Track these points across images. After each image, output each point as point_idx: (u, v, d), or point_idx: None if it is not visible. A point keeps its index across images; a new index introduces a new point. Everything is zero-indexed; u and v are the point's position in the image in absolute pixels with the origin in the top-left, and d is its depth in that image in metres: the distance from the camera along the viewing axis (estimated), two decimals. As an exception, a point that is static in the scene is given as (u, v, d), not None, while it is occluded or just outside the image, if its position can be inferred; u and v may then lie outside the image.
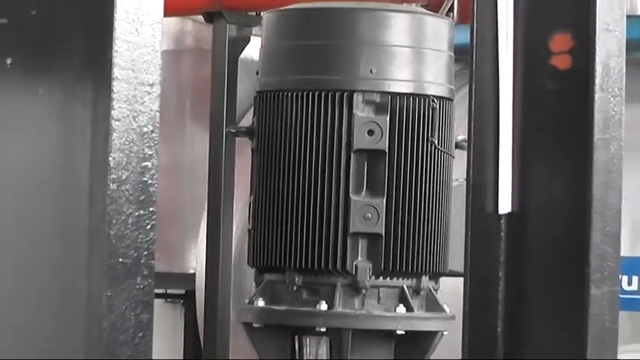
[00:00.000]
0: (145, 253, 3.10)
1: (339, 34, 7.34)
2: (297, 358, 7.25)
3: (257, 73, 7.71)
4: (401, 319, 7.20)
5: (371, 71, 7.19)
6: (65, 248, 3.08)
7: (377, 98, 7.15)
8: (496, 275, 3.98)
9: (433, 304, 7.32)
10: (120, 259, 3.06)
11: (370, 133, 7.13)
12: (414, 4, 8.49)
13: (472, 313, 4.04)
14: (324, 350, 7.18)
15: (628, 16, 4.05)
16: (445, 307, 7.17)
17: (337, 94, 7.13)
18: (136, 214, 3.08)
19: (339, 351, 7.18)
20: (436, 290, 7.34)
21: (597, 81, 3.88)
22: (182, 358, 11.13)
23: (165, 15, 3.14)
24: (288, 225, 7.18)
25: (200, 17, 11.53)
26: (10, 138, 3.15)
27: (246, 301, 7.52)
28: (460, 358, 4.05)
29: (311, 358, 7.18)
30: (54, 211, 3.10)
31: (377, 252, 7.16)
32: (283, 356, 7.24)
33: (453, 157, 7.20)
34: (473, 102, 4.05)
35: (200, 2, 11.30)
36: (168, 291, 11.24)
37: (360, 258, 7.16)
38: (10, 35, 3.15)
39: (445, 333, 7.14)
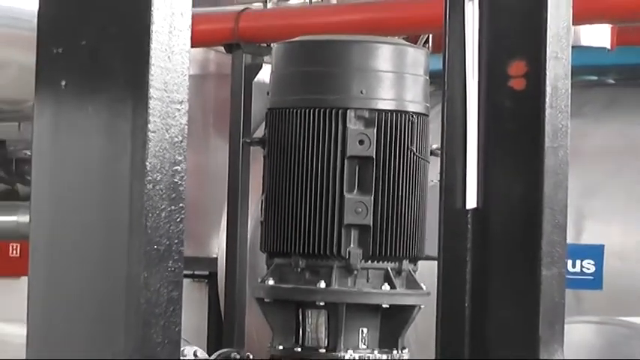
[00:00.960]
0: (176, 241, 3.11)
1: (335, 61, 7.35)
2: (301, 327, 7.27)
3: (268, 94, 7.70)
4: (386, 295, 7.20)
5: (361, 92, 7.19)
6: (110, 237, 3.09)
7: (366, 114, 7.16)
8: (464, 259, 3.97)
9: (412, 283, 7.32)
10: (155, 246, 3.07)
11: (361, 142, 7.14)
12: (396, 37, 8.46)
13: (445, 291, 4.05)
14: (322, 321, 7.18)
15: (572, 46, 4.05)
16: (422, 285, 7.18)
17: (333, 110, 7.13)
18: (168, 209, 3.08)
19: (335, 322, 7.20)
20: (414, 271, 7.34)
21: (547, 100, 3.88)
22: (207, 327, 11.10)
23: (193, 46, 3.15)
24: (294, 217, 7.19)
25: (221, 48, 11.50)
26: (66, 147, 3.16)
27: (259, 280, 7.52)
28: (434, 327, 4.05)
29: (312, 327, 7.20)
30: (101, 207, 3.11)
31: (366, 240, 7.17)
32: (289, 326, 7.25)
33: (429, 162, 7.20)
34: (445, 117, 4.05)
35: (221, 35, 11.28)
36: (195, 272, 11.20)
37: (352, 245, 7.17)
38: (64, 62, 3.15)
39: (422, 307, 7.15)
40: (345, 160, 7.18)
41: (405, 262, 7.35)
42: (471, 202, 3.97)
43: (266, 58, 10.51)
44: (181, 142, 3.11)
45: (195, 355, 7.87)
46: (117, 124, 3.09)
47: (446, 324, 4.00)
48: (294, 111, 7.31)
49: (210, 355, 7.81)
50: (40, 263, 3.20)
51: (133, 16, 3.08)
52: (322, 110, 7.21)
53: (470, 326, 3.95)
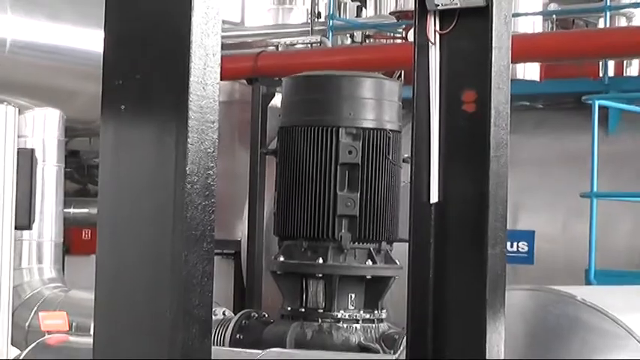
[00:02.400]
0: (209, 227, 3.09)
1: (330, 91, 7.35)
2: (304, 293, 7.26)
3: (279, 115, 7.71)
4: (369, 269, 7.21)
5: (350, 114, 7.20)
6: (159, 225, 3.07)
7: (354, 131, 7.18)
8: (428, 242, 3.95)
9: (389, 260, 7.32)
10: (192, 232, 3.06)
11: (349, 152, 7.15)
12: (376, 73, 8.43)
13: (414, 266, 4.02)
14: (320, 288, 7.17)
15: (511, 79, 4.04)
16: (397, 261, 7.17)
17: (329, 128, 7.15)
18: (203, 203, 3.07)
19: (330, 289, 7.19)
20: (390, 250, 7.34)
21: (492, 120, 3.86)
22: (232, 293, 11.07)
23: (221, 79, 3.14)
24: (299, 209, 7.19)
25: (244, 81, 11.49)
26: (125, 156, 3.14)
27: (272, 257, 7.52)
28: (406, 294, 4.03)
29: (312, 293, 7.19)
30: (152, 202, 3.09)
31: (354, 227, 7.18)
32: (296, 292, 7.24)
33: (401, 167, 7.21)
34: (413, 133, 4.03)
35: (243, 71, 11.28)
36: (224, 251, 11.17)
37: (343, 231, 7.17)
38: (123, 91, 3.14)
39: (397, 277, 7.15)
40: (338, 166, 7.20)
41: (384, 244, 7.35)
42: (434, 197, 3.95)
43: (278, 89, 10.48)
44: (213, 152, 3.10)
45: (224, 314, 7.85)
46: (164, 139, 3.07)
47: (415, 291, 3.98)
48: (299, 128, 7.33)
49: (235, 315, 7.79)
50: (105, 245, 3.18)
51: (176, 56, 3.07)
52: (320, 128, 7.22)
53: (433, 292, 3.93)
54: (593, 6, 13.18)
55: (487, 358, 3.75)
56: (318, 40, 12.85)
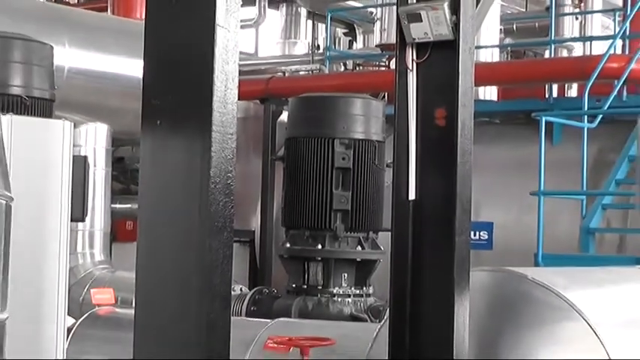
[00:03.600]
0: (228, 220, 3.08)
1: (327, 109, 7.35)
2: (306, 273, 7.25)
3: (286, 129, 7.70)
4: (359, 253, 7.21)
5: (343, 127, 7.20)
6: (188, 218, 3.07)
7: (346, 141, 7.17)
8: (407, 231, 3.94)
9: (375, 246, 7.32)
10: (215, 223, 3.05)
11: (343, 159, 7.15)
12: (365, 94, 8.43)
13: (395, 251, 4.01)
14: (319, 269, 7.17)
15: (474, 100, 4.04)
16: (381, 247, 7.16)
17: (326, 139, 7.15)
18: (224, 200, 3.06)
19: (327, 269, 7.19)
20: (376, 238, 7.33)
21: (459, 132, 3.85)
22: (248, 273, 11.03)
23: (239, 99, 3.13)
24: (302, 205, 7.19)
25: (257, 100, 11.48)
26: (160, 162, 3.14)
27: (280, 244, 7.51)
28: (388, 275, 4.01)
29: (313, 273, 7.19)
30: (182, 199, 3.09)
31: (347, 219, 7.18)
32: (299, 272, 7.23)
33: (385, 171, 7.20)
34: (395, 143, 4.02)
35: (257, 93, 11.26)
36: (241, 239, 11.14)
37: (338, 222, 7.17)
38: (159, 109, 3.13)
39: (381, 260, 7.14)
40: (333, 170, 7.20)
41: (371, 233, 7.35)
42: (412, 195, 3.93)
43: (285, 107, 10.47)
44: (232, 158, 3.09)
45: (240, 290, 7.83)
46: (192, 147, 3.06)
47: (396, 271, 3.96)
48: (302, 139, 7.33)
49: (249, 291, 7.78)
50: (144, 234, 3.18)
51: (202, 80, 3.06)
52: (319, 139, 7.22)
53: (411, 273, 3.91)
54: (540, 40, 13.33)
55: (454, 325, 3.75)
56: (318, 67, 12.88)
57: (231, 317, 3.14)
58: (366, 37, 15.50)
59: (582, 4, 13.07)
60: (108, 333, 5.81)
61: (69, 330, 5.46)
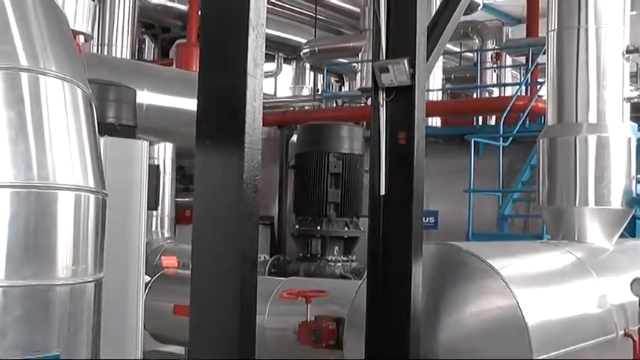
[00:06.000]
0: (255, 209, 3.05)
1: (324, 133, 7.33)
2: (309, 246, 7.24)
3: (295, 146, 7.67)
4: (346, 232, 7.19)
5: (335, 145, 7.19)
6: (227, 208, 3.03)
7: (337, 155, 7.15)
8: (379, 217, 3.92)
9: (357, 227, 7.28)
10: (246, 212, 3.01)
11: (335, 167, 7.13)
12: (350, 122, 8.42)
13: (371, 231, 3.98)
14: (318, 244, 7.15)
15: (426, 126, 4.01)
16: (361, 228, 7.14)
17: (323, 153, 7.13)
18: (252, 196, 3.03)
19: (324, 244, 7.17)
20: (358, 221, 7.31)
21: (415, 149, 3.83)
22: (269, 246, 10.98)
23: (263, 125, 3.10)
24: (307, 198, 7.17)
25: (276, 127, 11.45)
26: (208, 170, 3.11)
27: (292, 225, 7.48)
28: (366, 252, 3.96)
29: (314, 246, 7.17)
30: (222, 196, 3.05)
31: (338, 208, 7.15)
32: (305, 246, 7.21)
33: (364, 175, 7.18)
34: (371, 156, 4.00)
35: (276, 121, 11.26)
36: (264, 222, 11.11)
37: (331, 211, 7.15)
38: (207, 132, 3.09)
39: (361, 238, 7.12)
40: (328, 175, 7.18)
41: (354, 218, 7.32)
42: (382, 191, 3.90)
43: (295, 132, 10.46)
44: (258, 167, 3.05)
45: (264, 258, 7.80)
46: (230, 159, 3.02)
47: (371, 245, 3.90)
48: (307, 154, 7.31)
49: (270, 258, 7.76)
50: (197, 218, 3.14)
51: (237, 112, 3.01)
52: (319, 153, 7.20)
53: (382, 246, 3.87)
54: (470, 85, 13.41)
55: (412, 282, 3.72)
56: (318, 104, 12.88)
57: (257, 276, 3.12)
58: (351, 83, 15.54)
59: (498, 61, 13.24)
60: (173, 287, 5.78)
61: (146, 285, 5.43)
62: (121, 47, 10.62)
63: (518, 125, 8.99)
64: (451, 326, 3.83)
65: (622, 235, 5.34)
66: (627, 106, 5.27)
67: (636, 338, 4.17)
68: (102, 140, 3.91)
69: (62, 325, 2.44)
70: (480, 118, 11.40)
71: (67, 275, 2.48)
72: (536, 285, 4.13)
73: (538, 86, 9.81)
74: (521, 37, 13.68)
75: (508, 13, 17.31)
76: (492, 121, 11.31)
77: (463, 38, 14.15)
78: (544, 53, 5.77)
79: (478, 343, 3.74)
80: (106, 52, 10.50)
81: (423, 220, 3.95)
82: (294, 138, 10.42)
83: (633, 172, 5.22)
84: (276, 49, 14.93)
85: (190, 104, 9.19)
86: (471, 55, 15.00)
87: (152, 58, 14.37)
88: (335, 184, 7.24)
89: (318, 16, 14.00)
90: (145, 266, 4.59)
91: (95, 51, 10.27)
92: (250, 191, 3.00)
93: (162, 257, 6.75)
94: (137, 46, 12.41)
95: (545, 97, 5.84)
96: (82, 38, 5.60)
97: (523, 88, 10.28)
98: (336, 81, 17.33)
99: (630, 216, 5.26)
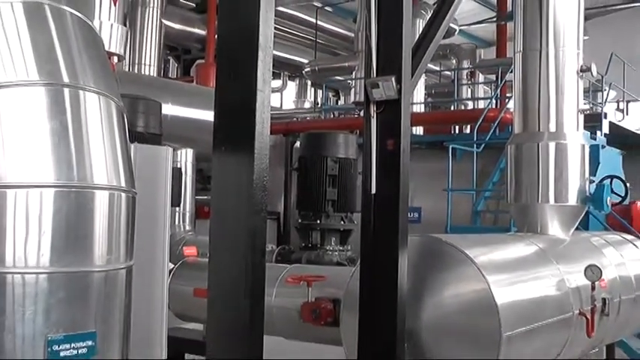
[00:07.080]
0: (264, 205, 3.03)
1: (323, 140, 7.33)
2: (310, 237, 7.23)
3: (298, 151, 7.66)
4: (342, 225, 7.19)
5: (333, 151, 7.18)
6: (240, 205, 3.02)
7: (335, 159, 7.15)
8: (370, 212, 3.90)
9: (351, 221, 7.28)
10: (256, 207, 3.01)
11: (332, 169, 7.12)
12: (346, 131, 8.42)
13: (363, 224, 3.94)
14: (318, 235, 7.15)
15: (411, 134, 3.99)
16: (355, 221, 7.13)
17: (323, 157, 7.12)
18: (261, 194, 3.02)
19: (323, 235, 7.17)
20: (352, 216, 7.30)
21: (401, 153, 3.80)
22: (276, 237, 10.95)
23: (270, 133, 3.09)
24: (308, 196, 7.17)
25: (282, 134, 11.44)
26: (223, 172, 3.10)
27: (295, 219, 7.48)
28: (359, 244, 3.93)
29: (314, 237, 7.17)
30: (236, 194, 3.04)
31: (335, 205, 7.15)
32: (307, 236, 7.21)
33: (357, 176, 7.17)
34: (364, 160, 3.99)
35: (281, 130, 11.26)
36: (272, 217, 11.09)
37: (329, 207, 7.14)
38: (223, 139, 3.08)
39: (354, 230, 7.12)
40: (327, 176, 7.18)
41: (349, 213, 7.32)
42: (373, 190, 3.89)
43: (298, 139, 10.45)
44: (266, 169, 3.04)
45: (271, 247, 7.80)
46: (242, 162, 3.01)
47: (363, 237, 3.87)
48: (309, 157, 7.31)
49: (276, 248, 7.76)
50: (214, 214, 3.13)
51: (249, 122, 3.01)
52: (319, 157, 7.20)
53: (373, 237, 3.85)
54: (448, 99, 13.45)
55: (398, 269, 3.70)
56: (318, 116, 12.87)
57: (265, 263, 3.11)
58: (346, 97, 15.55)
59: (472, 79, 13.31)
60: (193, 273, 5.78)
61: (170, 271, 5.42)
62: (149, 66, 10.70)
63: (490, 133, 9.06)
64: (432, 307, 3.83)
65: (577, 228, 5.39)
66: (581, 117, 5.35)
67: (589, 317, 4.25)
68: (132, 146, 3.91)
69: (98, 306, 2.46)
70: (457, 127, 11.43)
71: (102, 263, 2.50)
72: (505, 271, 4.14)
73: (506, 100, 9.86)
74: (492, 58, 13.77)
75: (481, 37, 17.41)
76: (467, 130, 11.32)
77: (442, 59, 14.26)
78: (511, 72, 5.81)
79: (455, 320, 3.75)
80: (136, 71, 10.56)
81: (408, 215, 3.94)
82: (298, 144, 10.43)
83: (586, 174, 5.28)
84: (282, 68, 14.98)
85: (208, 115, 9.23)
86: (449, 73, 15.13)
87: (175, 76, 14.41)
88: (332, 184, 7.25)
89: (317, 40, 14.07)
90: (169, 255, 4.59)
91: (127, 69, 10.32)
92: (260, 190, 3.00)
93: (184, 247, 6.73)
94: (162, 66, 12.42)
95: (512, 110, 5.87)
96: (115, 59, 5.64)
97: (494, 101, 10.33)
98: (334, 95, 17.36)
99: (584, 212, 5.32)
